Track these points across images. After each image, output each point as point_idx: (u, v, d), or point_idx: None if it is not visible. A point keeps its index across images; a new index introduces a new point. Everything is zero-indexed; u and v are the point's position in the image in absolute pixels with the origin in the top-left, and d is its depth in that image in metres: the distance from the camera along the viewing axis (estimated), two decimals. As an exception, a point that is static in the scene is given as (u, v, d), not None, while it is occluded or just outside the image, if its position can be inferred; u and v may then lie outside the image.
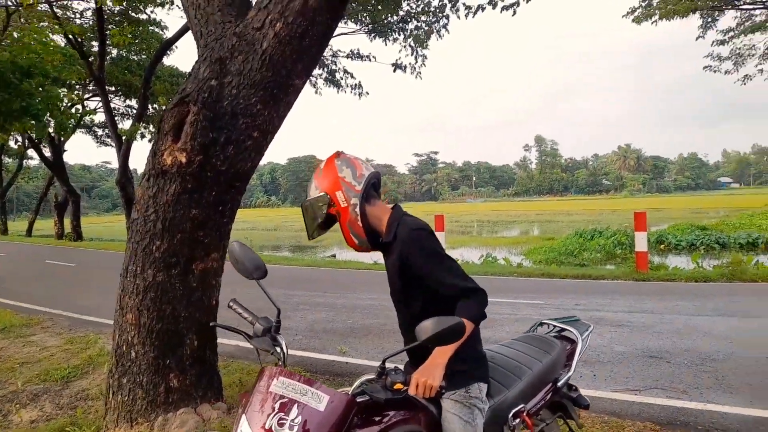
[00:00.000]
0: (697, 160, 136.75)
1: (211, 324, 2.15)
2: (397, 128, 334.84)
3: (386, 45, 13.45)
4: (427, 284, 1.88)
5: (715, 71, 20.67)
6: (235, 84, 3.31)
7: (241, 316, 2.01)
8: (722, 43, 19.77)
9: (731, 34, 19.49)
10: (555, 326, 2.66)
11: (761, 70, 21.05)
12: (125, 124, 24.71)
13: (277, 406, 1.59)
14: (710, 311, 6.55)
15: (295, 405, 1.58)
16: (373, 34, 13.87)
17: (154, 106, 21.68)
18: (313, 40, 3.29)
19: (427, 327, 1.61)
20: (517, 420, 2.05)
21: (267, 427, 1.55)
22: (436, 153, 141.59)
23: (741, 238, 15.75)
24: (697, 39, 19.11)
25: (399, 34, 13.25)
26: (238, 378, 4.35)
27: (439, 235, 11.76)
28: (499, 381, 2.12)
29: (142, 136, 18.77)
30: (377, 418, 1.77)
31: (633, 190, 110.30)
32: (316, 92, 12.95)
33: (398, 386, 1.68)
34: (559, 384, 2.34)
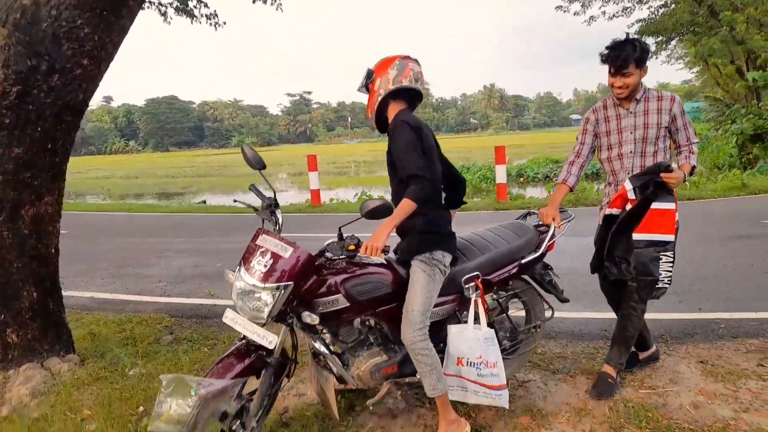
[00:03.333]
0: (552, 99, 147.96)
1: (250, 187, 2.59)
2: (266, 67, 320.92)
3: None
4: (396, 165, 2.38)
5: (565, 11, 22.11)
6: (55, 4, 2.89)
7: (258, 195, 2.52)
8: (573, -17, 21.10)
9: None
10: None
11: (603, 12, 22.95)
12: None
13: (258, 253, 2.24)
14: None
15: (269, 253, 2.22)
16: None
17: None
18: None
19: (364, 205, 2.19)
20: (471, 284, 2.57)
21: (251, 265, 2.23)
22: (309, 93, 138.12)
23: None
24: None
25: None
26: (90, 330, 4.06)
27: (312, 176, 11.64)
28: (464, 254, 2.69)
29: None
30: (351, 269, 2.42)
31: (498, 128, 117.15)
32: (165, 20, 11.63)
33: (351, 247, 2.28)
34: (523, 262, 2.79)
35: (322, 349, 2.44)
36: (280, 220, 2.43)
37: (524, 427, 2.64)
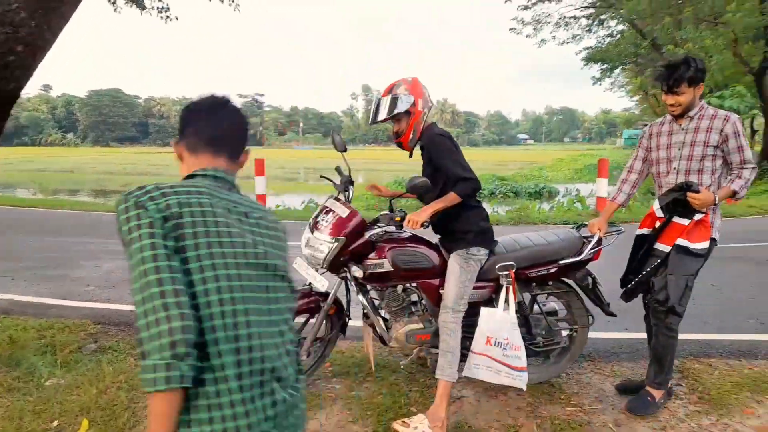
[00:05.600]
0: (501, 117, 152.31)
1: (336, 168, 3.13)
2: (217, 64, 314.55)
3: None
4: (443, 169, 2.73)
5: (518, 33, 22.92)
6: (-12, -16, 2.72)
7: (339, 173, 3.08)
8: (526, 8, 21.91)
9: (534, 0, 21.65)
10: None
11: (554, 37, 23.89)
12: None
13: (324, 211, 2.88)
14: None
15: (331, 212, 2.83)
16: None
17: None
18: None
19: (410, 180, 2.63)
20: (505, 272, 2.87)
21: (317, 220, 2.86)
22: (262, 95, 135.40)
23: (530, 187, 18.18)
24: (505, 2, 20.88)
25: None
26: (9, 335, 3.80)
27: (259, 180, 11.41)
28: (505, 247, 3.03)
29: None
30: (399, 240, 2.91)
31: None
32: (114, 10, 11.19)
33: (397, 219, 2.72)
34: (561, 263, 3.00)
35: (365, 302, 2.95)
36: (351, 194, 2.99)
37: (455, 444, 2.66)
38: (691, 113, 2.78)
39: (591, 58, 24.95)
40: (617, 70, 28.94)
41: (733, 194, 2.71)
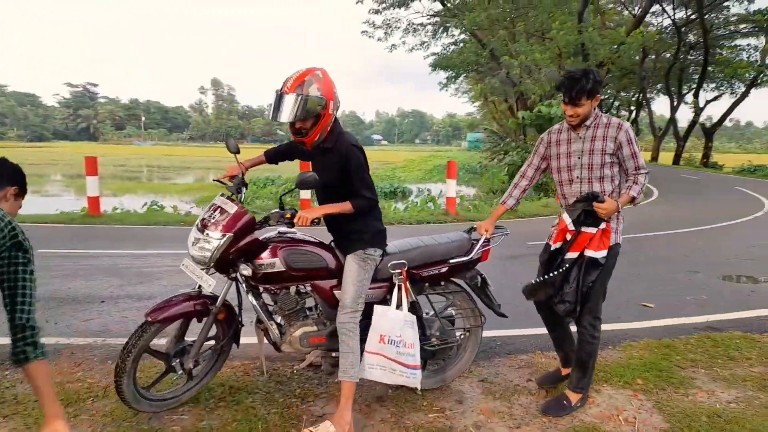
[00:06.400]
0: (356, 118, 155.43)
1: (213, 179, 3.16)
2: (38, 47, 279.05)
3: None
4: (350, 182, 2.71)
5: (370, 37, 23.47)
6: None
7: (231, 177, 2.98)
8: (377, 12, 22.47)
9: (384, 4, 22.28)
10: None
11: (404, 42, 24.82)
12: None
13: (212, 208, 2.78)
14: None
15: (219, 209, 2.74)
16: None
17: None
18: None
19: (299, 176, 2.56)
20: (397, 270, 2.90)
21: (205, 217, 2.76)
22: (95, 85, 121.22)
23: (386, 187, 18.64)
24: (357, 3, 21.17)
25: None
26: None
27: (90, 181, 10.08)
28: (398, 248, 3.05)
29: None
30: (292, 240, 2.86)
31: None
32: None
33: (288, 216, 2.62)
34: (451, 262, 3.08)
35: (257, 306, 2.85)
36: (243, 195, 2.88)
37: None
38: (588, 122, 2.87)
39: (437, 64, 26.42)
40: (461, 78, 31.03)
41: (632, 200, 2.83)
